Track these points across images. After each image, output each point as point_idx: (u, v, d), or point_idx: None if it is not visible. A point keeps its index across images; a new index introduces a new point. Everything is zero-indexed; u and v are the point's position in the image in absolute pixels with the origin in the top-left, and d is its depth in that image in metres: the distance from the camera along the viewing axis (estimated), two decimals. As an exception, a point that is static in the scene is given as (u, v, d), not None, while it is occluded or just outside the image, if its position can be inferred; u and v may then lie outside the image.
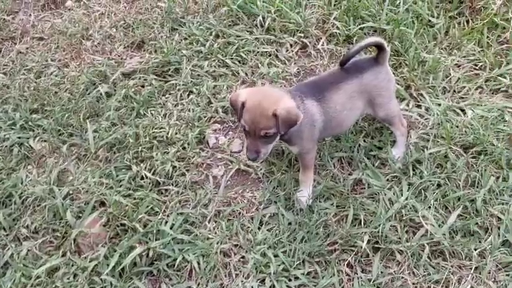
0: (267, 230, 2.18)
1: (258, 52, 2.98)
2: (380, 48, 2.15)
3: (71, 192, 2.37)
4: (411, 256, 2.02)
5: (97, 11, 3.45)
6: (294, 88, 2.17)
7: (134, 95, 2.78)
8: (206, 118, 2.68)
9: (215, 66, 2.93)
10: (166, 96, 2.83)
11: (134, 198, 2.29)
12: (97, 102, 2.78)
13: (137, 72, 2.95)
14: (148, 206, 2.25)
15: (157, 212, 2.26)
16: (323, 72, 2.43)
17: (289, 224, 2.19)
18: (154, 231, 2.16)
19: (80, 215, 2.27)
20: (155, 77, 2.92)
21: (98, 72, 2.93)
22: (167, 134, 2.55)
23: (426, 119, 2.49)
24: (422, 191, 2.20)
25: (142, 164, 2.42)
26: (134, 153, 2.47)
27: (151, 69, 2.94)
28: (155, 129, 2.58)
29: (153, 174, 2.38)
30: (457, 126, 2.40)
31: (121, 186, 2.35)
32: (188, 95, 2.82)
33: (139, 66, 2.97)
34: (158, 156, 2.45)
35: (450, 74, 2.68)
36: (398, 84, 2.63)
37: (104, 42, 3.19)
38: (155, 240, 2.15)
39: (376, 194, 2.21)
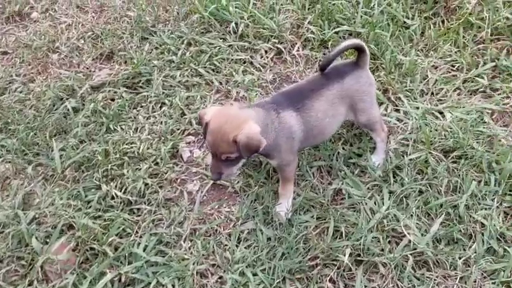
0: (245, 247, 2.09)
1: (232, 60, 2.89)
2: (360, 50, 2.08)
3: (37, 216, 2.24)
4: (395, 268, 1.95)
5: (64, 22, 3.32)
6: (271, 99, 2.06)
7: (104, 109, 2.66)
8: (179, 131, 2.58)
9: (188, 76, 2.83)
10: (137, 109, 2.72)
11: (105, 220, 2.18)
12: (64, 119, 2.65)
13: (107, 85, 2.83)
14: (119, 228, 2.14)
15: (129, 233, 2.15)
16: (302, 80, 2.35)
17: (269, 239, 2.10)
18: (126, 255, 2.05)
19: (47, 240, 2.14)
20: (126, 89, 2.80)
21: (65, 86, 2.80)
22: (139, 149, 2.43)
23: (405, 123, 2.43)
24: (404, 198, 2.13)
25: (112, 183, 2.31)
26: (103, 171, 2.35)
27: (121, 81, 2.82)
28: (126, 144, 2.46)
29: (124, 193, 2.27)
30: (436, 130, 2.34)
31: (90, 207, 2.23)
32: (161, 107, 2.71)
33: (109, 79, 2.85)
34: (130, 173, 2.33)
35: (427, 76, 2.63)
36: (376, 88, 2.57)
37: (71, 54, 3.06)
38: (128, 264, 2.03)
39: (357, 204, 2.13)
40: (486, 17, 2.72)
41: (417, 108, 2.47)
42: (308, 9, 3.06)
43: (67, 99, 2.75)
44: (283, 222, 2.13)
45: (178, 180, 2.38)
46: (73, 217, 2.18)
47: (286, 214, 2.13)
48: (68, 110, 2.67)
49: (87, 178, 2.35)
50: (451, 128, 2.31)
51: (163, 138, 2.52)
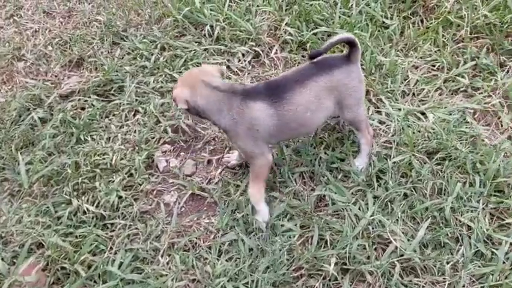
0: (227, 259, 1.99)
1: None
2: (351, 45, 2.00)
3: (3, 234, 2.10)
4: (382, 276, 1.88)
5: (30, 28, 3.17)
6: (252, 87, 2.02)
7: (73, 119, 2.52)
8: (154, 139, 2.46)
9: (162, 82, 2.71)
10: (109, 117, 2.59)
11: (76, 237, 2.05)
12: (31, 130, 2.51)
13: (76, 93, 2.70)
14: (91, 245, 2.01)
15: (103, 250, 2.02)
16: (292, 68, 2.31)
17: (251, 250, 2.01)
18: (100, 273, 1.93)
19: (15, 260, 2.01)
20: (97, 97, 2.68)
21: (32, 96, 2.66)
22: (112, 160, 2.31)
23: (387, 125, 2.37)
24: (388, 203, 2.06)
25: (83, 197, 2.18)
26: (74, 185, 2.22)
27: (92, 89, 2.69)
28: (98, 156, 2.33)
29: (96, 207, 2.14)
30: (419, 131, 2.29)
31: (60, 223, 2.10)
32: (134, 115, 2.59)
33: (78, 87, 2.72)
34: (102, 186, 2.21)
35: (408, 77, 2.58)
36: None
37: (38, 62, 2.91)
38: (102, 283, 1.92)
39: (341, 211, 2.06)
40: (465, 15, 2.69)
41: (399, 109, 2.42)
42: (285, 10, 2.98)
43: (34, 109, 2.61)
44: (263, 230, 2.04)
45: (154, 191, 2.27)
46: (42, 235, 2.05)
47: (266, 219, 2.04)
48: (35, 121, 2.52)
49: (56, 193, 2.22)
50: (433, 129, 2.26)
51: (137, 147, 2.40)
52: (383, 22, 2.81)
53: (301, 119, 2.01)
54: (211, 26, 2.89)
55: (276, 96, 1.96)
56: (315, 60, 2.02)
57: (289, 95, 1.96)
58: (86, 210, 2.12)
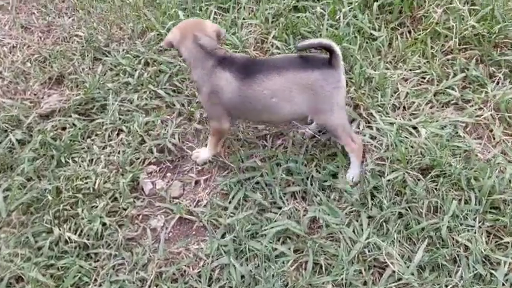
0: (218, 288, 1.91)
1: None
2: (330, 52, 1.99)
3: (-21, 268, 1.98)
4: (380, 301, 1.82)
5: (7, 44, 3.04)
6: (230, 57, 2.10)
7: (54, 141, 2.41)
8: (139, 160, 2.37)
9: (146, 99, 2.62)
10: (92, 138, 2.48)
11: (58, 269, 1.95)
12: (9, 153, 2.39)
13: (57, 113, 2.59)
14: (75, 277, 1.91)
15: (87, 282, 1.93)
16: (281, 55, 2.41)
17: (243, 277, 1.93)
18: (84, 308, 1.83)
19: (-8, 296, 1.89)
20: (78, 116, 2.57)
21: (9, 117, 2.53)
22: (94, 184, 2.21)
23: (379, 141, 2.32)
24: (384, 223, 2.01)
25: (65, 225, 2.07)
26: (55, 212, 2.11)
27: (73, 107, 2.58)
28: (80, 180, 2.23)
29: (79, 235, 2.04)
30: (412, 147, 2.24)
31: (41, 255, 1.99)
32: (118, 135, 2.49)
33: (59, 106, 2.61)
34: (85, 213, 2.11)
35: (398, 89, 2.54)
36: (346, 104, 2.45)
37: (16, 80, 2.79)
38: (86, 318, 1.81)
39: (335, 233, 1.99)
40: (453, 26, 2.65)
41: (391, 123, 2.37)
42: (272, 22, 2.92)
43: (12, 130, 2.49)
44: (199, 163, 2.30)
45: (140, 216, 2.17)
46: (21, 268, 1.93)
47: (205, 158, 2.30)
48: (13, 143, 2.40)
49: (36, 221, 2.11)
50: (426, 145, 2.21)
51: (121, 170, 2.30)
52: (371, 34, 2.77)
53: (266, 104, 2.05)
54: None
55: (248, 73, 2.03)
56: (303, 54, 2.09)
57: (262, 76, 2.02)
58: (68, 239, 2.02)
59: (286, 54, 2.19)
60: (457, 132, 2.32)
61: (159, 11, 3.02)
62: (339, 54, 2.00)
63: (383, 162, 2.19)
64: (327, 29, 2.72)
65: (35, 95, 2.73)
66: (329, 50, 1.98)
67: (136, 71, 2.74)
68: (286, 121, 2.30)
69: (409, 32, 2.83)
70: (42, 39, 3.06)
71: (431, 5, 2.79)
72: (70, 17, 3.19)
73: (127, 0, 3.19)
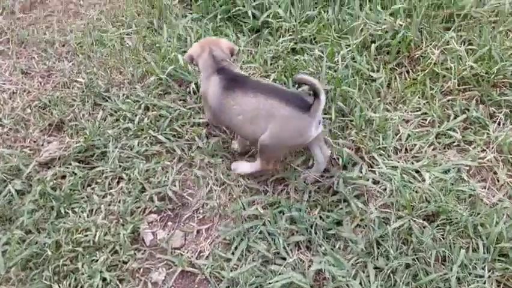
0: None
1: (194, 123, 2.71)
2: (315, 95, 2.04)
3: (-25, 330, 1.92)
4: None
5: (8, 89, 3.04)
6: (230, 70, 2.34)
7: (53, 191, 2.38)
8: (140, 209, 2.33)
9: (147, 145, 2.61)
10: (92, 186, 2.45)
11: (57, 329, 1.88)
12: (8, 205, 2.35)
13: (57, 161, 2.56)
14: (74, 338, 1.85)
15: None
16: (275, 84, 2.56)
17: (248, 335, 1.87)
18: None
19: None
20: (78, 164, 2.54)
21: (9, 167, 2.51)
22: (95, 237, 2.17)
23: (382, 185, 2.29)
24: (391, 274, 1.96)
25: (64, 281, 2.02)
26: (54, 267, 2.07)
27: (73, 155, 2.56)
28: (80, 232, 2.19)
29: (79, 292, 1.99)
30: (417, 192, 2.21)
31: (39, 314, 1.93)
32: (118, 183, 2.46)
33: (59, 153, 2.58)
34: (85, 267, 2.06)
35: (399, 131, 2.53)
36: (347, 147, 2.44)
37: (16, 127, 2.78)
38: None
39: (342, 287, 1.94)
40: (451, 67, 2.67)
41: (393, 167, 2.35)
42: (271, 64, 2.94)
43: (11, 180, 2.46)
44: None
45: (141, 269, 2.12)
46: (18, 329, 1.88)
47: None
48: (12, 194, 2.37)
49: (36, 278, 2.05)
50: (430, 190, 2.18)
51: (121, 220, 2.27)
52: (370, 75, 2.78)
53: (233, 118, 2.23)
54: (196, 84, 2.82)
55: (232, 85, 2.23)
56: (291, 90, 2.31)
57: (238, 92, 2.20)
58: (67, 297, 1.97)
59: (276, 84, 2.37)
60: (461, 176, 2.30)
61: (159, 54, 3.04)
62: (321, 104, 2.04)
63: (388, 210, 2.16)
64: (326, 72, 2.73)
65: (34, 142, 2.72)
66: (315, 94, 2.03)
67: (136, 116, 2.74)
68: (251, 140, 2.35)
69: (407, 72, 2.85)
70: (42, 84, 3.07)
71: (428, 46, 2.81)
72: (70, 61, 3.21)
73: (126, 44, 3.22)
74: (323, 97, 2.03)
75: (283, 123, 2.10)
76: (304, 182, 2.36)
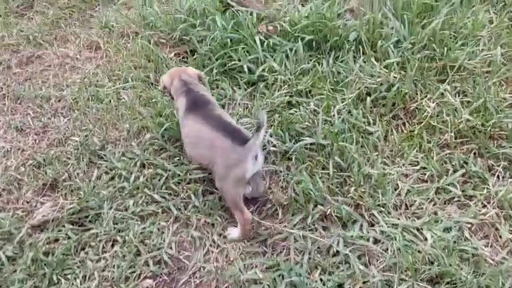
0: None
1: (190, 179, 2.67)
2: (257, 130, 2.17)
3: None
4: None
5: (2, 148, 3.02)
6: (195, 89, 2.61)
7: (46, 257, 2.31)
8: (135, 275, 2.26)
9: (142, 205, 2.56)
10: (86, 250, 2.39)
11: None
12: (-1, 273, 2.28)
13: (50, 223, 2.51)
14: None
15: None
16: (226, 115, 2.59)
17: None
18: None
19: None
20: (72, 226, 2.49)
21: (0, 232, 2.45)
22: (87, 308, 2.09)
23: (383, 245, 2.24)
24: None
25: None
26: None
27: (66, 217, 2.51)
28: (72, 303, 2.11)
29: None
30: (419, 252, 2.16)
31: None
32: (113, 246, 2.40)
33: (52, 215, 2.53)
34: None
35: (398, 186, 2.50)
36: (346, 204, 2.40)
37: (10, 187, 2.73)
38: None
39: None
40: (447, 120, 2.67)
41: (394, 225, 2.31)
42: (267, 117, 2.93)
43: (3, 245, 2.39)
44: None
45: None
46: None
47: None
48: (3, 263, 2.30)
49: None
50: (433, 251, 2.13)
51: (115, 287, 2.19)
52: (366, 129, 2.77)
53: (183, 137, 2.56)
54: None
55: (192, 107, 2.49)
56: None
57: (192, 116, 2.46)
58: None
59: (226, 117, 2.49)
60: (463, 233, 2.26)
61: (155, 109, 3.04)
62: (258, 139, 2.18)
63: (390, 273, 2.10)
64: (322, 128, 2.72)
65: (28, 202, 2.67)
66: (257, 130, 2.17)
67: (131, 174, 2.70)
68: (195, 162, 2.62)
69: (403, 124, 2.85)
70: (37, 142, 3.05)
71: (423, 98, 2.83)
72: (65, 117, 3.20)
73: (123, 98, 3.23)
74: (261, 134, 2.17)
75: (223, 154, 2.27)
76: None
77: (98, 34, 3.91)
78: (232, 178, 2.26)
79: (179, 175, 2.68)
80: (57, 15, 4.18)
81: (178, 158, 2.78)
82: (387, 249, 2.21)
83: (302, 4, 3.58)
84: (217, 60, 3.27)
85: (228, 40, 3.28)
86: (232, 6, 3.51)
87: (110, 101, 3.21)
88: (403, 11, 3.26)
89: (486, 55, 3.01)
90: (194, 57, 3.42)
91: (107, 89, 3.33)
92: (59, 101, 3.36)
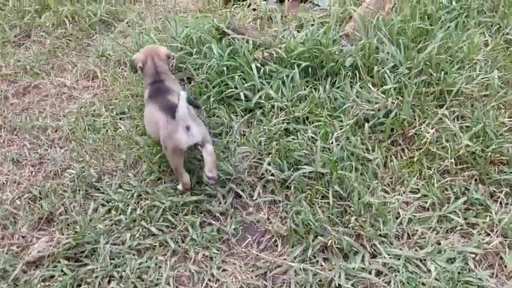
0: None
1: (188, 210, 2.63)
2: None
3: None
4: None
5: (-2, 181, 2.98)
6: (161, 77, 2.92)
7: (40, 297, 2.26)
8: (132, 314, 2.20)
9: (139, 238, 2.51)
10: (82, 287, 2.33)
11: None
12: (-8, 315, 2.22)
13: (46, 258, 2.46)
14: None
15: None
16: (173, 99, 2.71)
17: None
18: None
19: None
20: (67, 262, 2.43)
21: (-6, 270, 2.40)
22: None
23: (385, 276, 2.19)
24: None
25: None
26: None
27: (62, 252, 2.46)
28: None
29: None
30: (423, 284, 2.11)
31: None
32: (109, 282, 2.34)
33: (48, 251, 2.48)
34: None
35: (399, 215, 2.46)
36: (347, 234, 2.36)
37: (5, 222, 2.69)
38: None
39: None
40: (446, 146, 2.65)
41: (396, 256, 2.26)
42: (265, 145, 2.91)
43: (-4, 285, 2.34)
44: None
45: None
46: None
47: None
48: (-4, 303, 2.25)
49: None
50: (437, 284, 2.08)
51: (112, 328, 2.13)
52: (365, 156, 2.74)
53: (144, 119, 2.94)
54: (188, 170, 2.76)
55: (154, 92, 2.82)
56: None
57: (150, 99, 2.80)
58: None
59: (174, 100, 2.63)
60: (467, 263, 2.21)
61: (151, 139, 3.02)
62: (179, 112, 2.45)
63: (394, 309, 2.04)
64: (320, 156, 2.69)
65: (23, 237, 2.62)
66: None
67: (128, 206, 2.66)
68: (154, 140, 2.86)
69: (403, 150, 2.82)
70: (33, 174, 3.01)
71: (421, 124, 2.81)
72: (62, 148, 3.17)
73: (120, 128, 3.21)
74: (180, 104, 2.45)
75: (162, 128, 2.56)
76: (211, 184, 2.66)
77: (95, 63, 3.91)
78: (169, 149, 2.55)
79: (176, 206, 2.64)
80: (54, 45, 4.18)
81: (175, 189, 2.75)
82: (390, 281, 2.16)
83: (298, 30, 3.59)
84: (213, 88, 3.26)
85: (225, 68, 3.28)
86: (228, 34, 3.51)
87: (107, 130, 3.19)
88: (398, 36, 3.27)
89: (483, 79, 3.01)
90: (191, 84, 3.42)
91: (104, 118, 3.32)
92: (56, 131, 3.33)
